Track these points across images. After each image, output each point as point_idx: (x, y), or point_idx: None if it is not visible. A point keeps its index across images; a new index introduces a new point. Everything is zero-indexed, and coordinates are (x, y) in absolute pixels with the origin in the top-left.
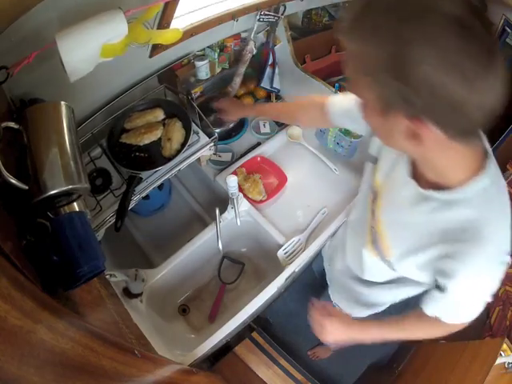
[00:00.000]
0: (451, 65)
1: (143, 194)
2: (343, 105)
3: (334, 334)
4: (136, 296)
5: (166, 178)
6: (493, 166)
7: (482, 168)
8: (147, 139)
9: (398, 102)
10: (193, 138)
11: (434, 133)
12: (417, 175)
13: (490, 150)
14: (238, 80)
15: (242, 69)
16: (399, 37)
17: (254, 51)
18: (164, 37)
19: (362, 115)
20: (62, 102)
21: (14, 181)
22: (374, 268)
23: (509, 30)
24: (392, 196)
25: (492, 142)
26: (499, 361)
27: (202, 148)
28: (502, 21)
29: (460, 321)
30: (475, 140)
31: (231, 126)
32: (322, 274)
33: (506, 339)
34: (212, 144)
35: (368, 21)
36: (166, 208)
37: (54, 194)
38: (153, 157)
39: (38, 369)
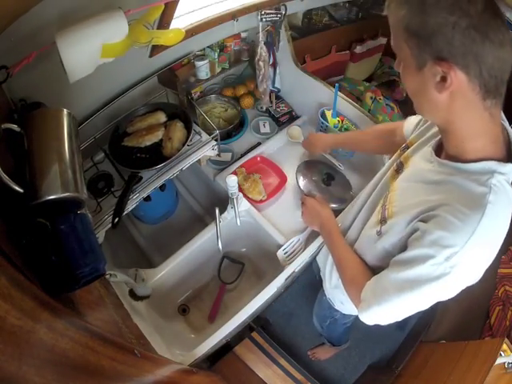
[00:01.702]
0: (459, 7)
1: (144, 195)
2: (416, 120)
3: (309, 213)
4: (142, 299)
5: (167, 177)
6: (510, 170)
7: (499, 158)
8: (148, 140)
9: (427, 49)
10: (195, 137)
11: (459, 77)
12: (440, 152)
13: None
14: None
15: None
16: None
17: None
18: (166, 37)
19: (402, 80)
20: (65, 110)
21: (10, 183)
22: (364, 244)
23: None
24: (414, 165)
25: None
26: (499, 361)
27: (204, 146)
28: None
29: (367, 315)
30: (495, 111)
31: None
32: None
33: (506, 339)
34: (214, 143)
35: None
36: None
37: (49, 200)
38: (154, 157)
39: (37, 369)
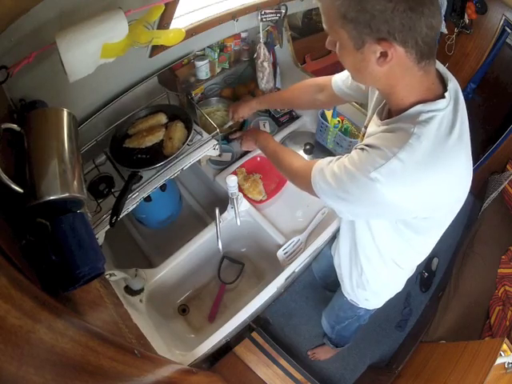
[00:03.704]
0: None
1: (144, 194)
2: (345, 75)
3: (248, 135)
4: (138, 293)
5: (167, 177)
6: (441, 105)
7: (430, 99)
8: (149, 141)
9: (366, 31)
10: (196, 137)
11: (398, 52)
12: (386, 115)
13: (449, 95)
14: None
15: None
16: None
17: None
18: (166, 38)
19: (340, 59)
20: (65, 110)
21: (9, 183)
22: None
23: (509, 30)
24: (367, 133)
25: (492, 142)
26: (499, 361)
27: (204, 144)
28: (502, 21)
29: (313, 183)
30: (429, 67)
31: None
32: (322, 277)
33: (506, 339)
34: (215, 142)
35: None
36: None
37: (49, 200)
38: (154, 157)
39: (37, 369)
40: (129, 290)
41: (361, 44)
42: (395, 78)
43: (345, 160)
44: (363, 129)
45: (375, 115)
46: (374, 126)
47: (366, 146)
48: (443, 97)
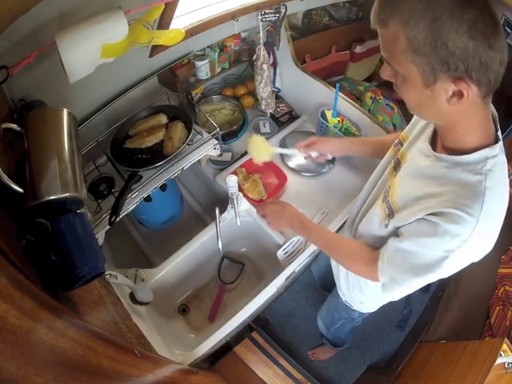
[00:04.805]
0: (475, 30)
1: (144, 194)
2: None
3: (273, 217)
4: (142, 304)
5: (168, 177)
6: (498, 149)
7: (490, 144)
8: (149, 142)
9: (441, 69)
10: (196, 137)
11: (473, 91)
12: (435, 144)
13: (500, 137)
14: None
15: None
16: (430, 15)
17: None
18: (166, 38)
19: (400, 91)
20: (65, 109)
21: (9, 182)
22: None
23: (509, 30)
24: (412, 160)
25: None
26: (499, 361)
27: (205, 144)
28: (502, 21)
29: (381, 275)
30: (488, 100)
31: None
32: (321, 276)
33: (506, 339)
34: (215, 142)
35: (404, 6)
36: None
37: (49, 200)
38: (154, 157)
39: (37, 368)
40: (132, 298)
41: (432, 81)
42: (460, 114)
43: (415, 247)
44: (396, 143)
45: (426, 143)
46: (424, 157)
47: (433, 215)
48: (497, 138)
